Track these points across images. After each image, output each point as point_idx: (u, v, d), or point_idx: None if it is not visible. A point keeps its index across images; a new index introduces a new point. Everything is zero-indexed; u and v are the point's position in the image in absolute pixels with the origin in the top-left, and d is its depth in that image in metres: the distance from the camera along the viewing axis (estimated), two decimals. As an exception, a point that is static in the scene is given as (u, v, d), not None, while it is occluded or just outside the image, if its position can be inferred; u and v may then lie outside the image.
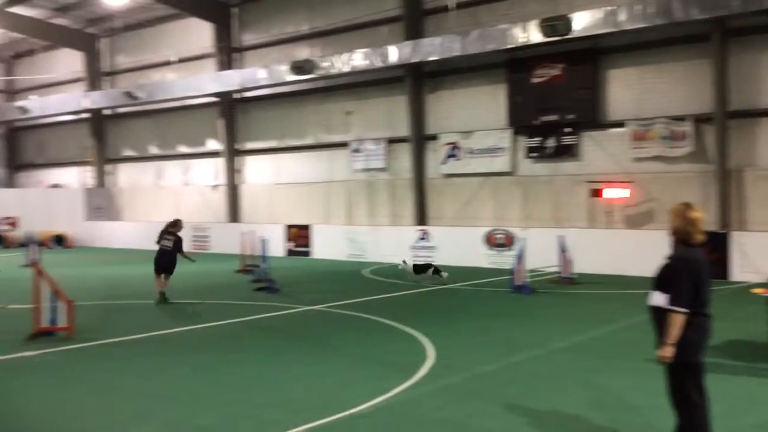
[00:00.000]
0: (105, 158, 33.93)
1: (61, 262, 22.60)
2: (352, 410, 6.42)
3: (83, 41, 33.12)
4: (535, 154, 21.02)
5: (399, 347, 9.45)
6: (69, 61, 34.48)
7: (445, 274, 16.33)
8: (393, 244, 22.07)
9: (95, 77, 33.32)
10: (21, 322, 10.62)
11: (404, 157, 23.71)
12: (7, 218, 33.06)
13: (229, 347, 9.68)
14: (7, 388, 7.57)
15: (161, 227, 14.47)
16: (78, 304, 10.51)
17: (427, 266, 16.77)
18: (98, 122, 33.62)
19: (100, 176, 33.98)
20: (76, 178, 35.36)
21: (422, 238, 21.56)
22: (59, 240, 31.27)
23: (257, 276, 16.35)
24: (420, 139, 23.19)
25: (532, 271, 15.19)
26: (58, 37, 33.16)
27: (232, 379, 7.83)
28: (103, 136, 33.82)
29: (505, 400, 6.76)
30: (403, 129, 23.42)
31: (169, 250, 13.96)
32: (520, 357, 8.74)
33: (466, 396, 7.00)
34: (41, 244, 25.30)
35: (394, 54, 22.19)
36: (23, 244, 27.14)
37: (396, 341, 9.85)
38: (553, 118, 20.43)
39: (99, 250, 29.40)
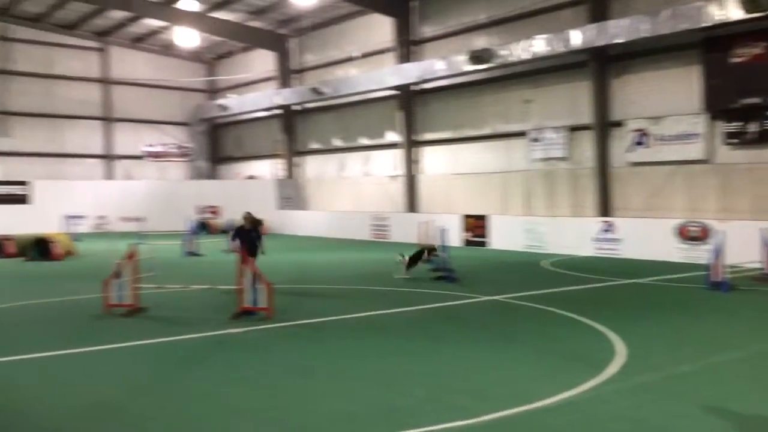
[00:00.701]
0: (294, 151, 36.13)
1: (257, 247, 24.39)
2: (539, 403, 6.37)
3: (275, 42, 35.42)
4: (734, 140, 19.38)
5: (585, 341, 9.20)
6: (263, 61, 37.09)
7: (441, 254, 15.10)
8: (574, 235, 21.42)
9: (286, 75, 35.52)
10: (227, 302, 11.68)
11: (586, 145, 22.88)
12: (211, 207, 36.34)
13: (413, 333, 9.97)
14: (217, 360, 8.38)
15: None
16: (275, 287, 11.34)
17: (421, 251, 15.37)
18: (288, 117, 35.87)
19: (290, 168, 36.25)
20: (268, 169, 38.03)
21: (606, 230, 20.69)
22: (254, 227, 33.80)
23: (436, 265, 16.61)
24: (604, 127, 22.25)
25: (731, 266, 14.06)
26: (253, 39, 35.79)
27: (419, 364, 8.07)
28: (293, 131, 36.02)
29: (705, 402, 6.36)
30: (586, 116, 22.60)
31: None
32: (720, 358, 8.16)
33: (661, 396, 6.67)
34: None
35: (577, 38, 21.46)
36: (224, 230, 29.72)
37: (581, 335, 9.60)
38: (755, 100, 18.72)
39: (289, 237, 31.43)
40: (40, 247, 21.27)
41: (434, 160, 29.03)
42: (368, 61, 31.04)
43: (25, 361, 8.37)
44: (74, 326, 10.55)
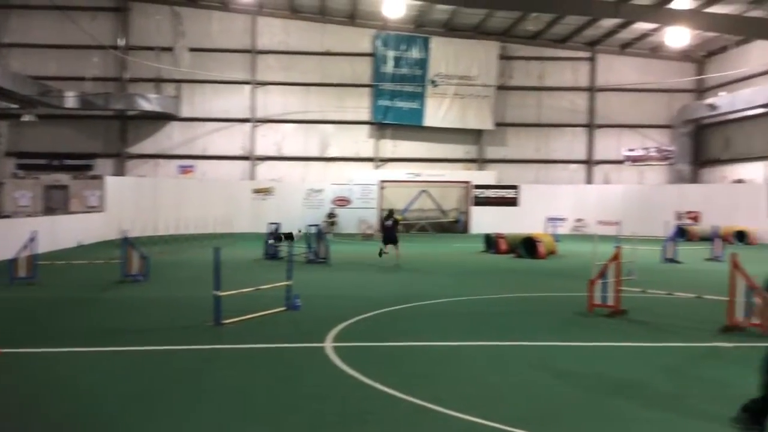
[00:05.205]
0: (795, 152, 31.75)
1: (745, 258, 22.17)
2: None
3: (777, 31, 31.55)
4: None
5: None
6: (762, 53, 33.55)
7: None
8: None
9: (789, 67, 31.42)
10: (713, 313, 10.99)
11: None
12: (691, 212, 34.51)
13: None
14: (705, 374, 7.96)
15: None
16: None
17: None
18: (789, 114, 31.67)
19: (789, 171, 31.96)
20: (761, 173, 34.23)
21: None
22: (741, 236, 30.88)
23: None
24: None
25: None
26: (752, 30, 32.34)
27: None
28: (794, 129, 31.68)
29: None
30: None
31: (391, 227, 20.13)
32: None
33: None
34: (723, 239, 25.48)
35: None
36: (705, 238, 27.87)
37: None
38: None
39: (785, 250, 27.77)
40: (527, 245, 23.27)
41: None
42: None
43: (521, 347, 9.32)
44: (560, 320, 11.26)
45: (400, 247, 20.12)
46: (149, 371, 7.81)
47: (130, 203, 31.08)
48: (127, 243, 15.65)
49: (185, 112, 37.53)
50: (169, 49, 36.83)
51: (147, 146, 37.66)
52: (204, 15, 37.47)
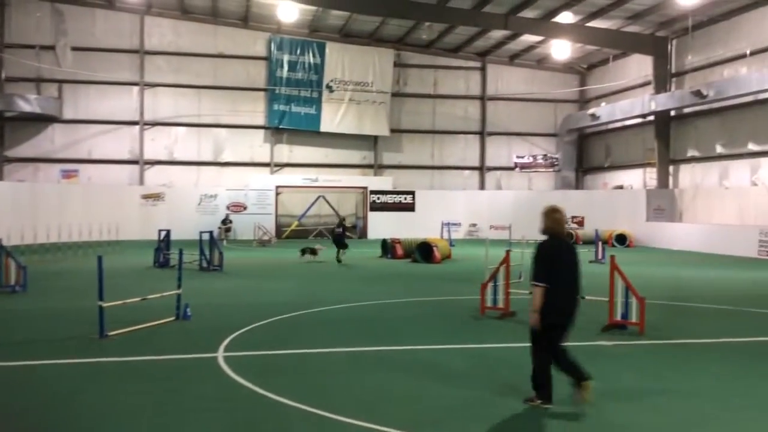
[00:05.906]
0: (668, 159, 33.98)
1: (625, 260, 23.51)
2: None
3: (653, 45, 33.60)
4: None
5: None
6: (638, 67, 35.70)
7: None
8: None
9: (662, 80, 33.58)
10: (596, 313, 11.55)
11: None
12: (575, 217, 36.21)
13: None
14: (592, 372, 8.35)
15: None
16: (647, 302, 10.84)
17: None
18: (663, 124, 33.86)
19: (663, 177, 34.17)
20: (639, 179, 36.43)
21: None
22: (621, 239, 32.74)
23: None
24: None
25: None
26: (630, 44, 34.48)
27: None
28: (667, 138, 33.90)
29: None
30: None
31: (341, 233, 23.20)
32: None
33: None
34: (604, 242, 26.92)
35: None
36: (589, 241, 29.34)
37: None
38: None
39: (658, 251, 29.67)
40: (422, 250, 23.64)
41: None
42: (762, 59, 27.71)
43: (414, 351, 9.42)
44: (453, 323, 11.50)
45: (346, 251, 23.09)
46: (29, 388, 7.31)
47: (8, 209, 29.14)
48: (2, 251, 14.65)
49: (68, 114, 35.65)
50: (50, 48, 34.90)
51: (26, 149, 35.44)
52: (88, 13, 35.77)
